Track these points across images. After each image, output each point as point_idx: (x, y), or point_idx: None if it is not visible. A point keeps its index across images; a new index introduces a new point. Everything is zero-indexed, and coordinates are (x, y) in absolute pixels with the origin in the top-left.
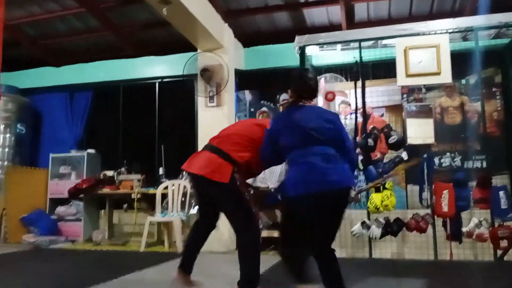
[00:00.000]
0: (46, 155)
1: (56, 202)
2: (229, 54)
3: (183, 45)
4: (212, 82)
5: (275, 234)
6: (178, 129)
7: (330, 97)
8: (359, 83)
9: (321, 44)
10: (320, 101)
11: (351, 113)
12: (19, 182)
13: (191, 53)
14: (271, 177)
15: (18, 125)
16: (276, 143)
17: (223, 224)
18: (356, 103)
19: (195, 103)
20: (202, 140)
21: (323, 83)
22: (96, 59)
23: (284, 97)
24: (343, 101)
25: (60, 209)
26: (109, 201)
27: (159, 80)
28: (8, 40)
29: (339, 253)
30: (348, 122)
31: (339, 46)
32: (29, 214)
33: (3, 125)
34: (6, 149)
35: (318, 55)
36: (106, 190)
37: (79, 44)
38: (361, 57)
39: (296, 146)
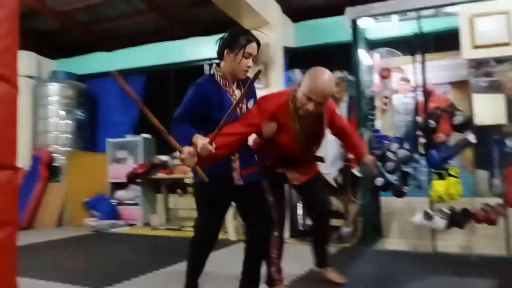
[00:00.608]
0: (103, 139)
1: (116, 186)
2: (276, 31)
3: (231, 24)
4: (258, 62)
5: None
6: None
7: (385, 74)
8: (419, 58)
9: (375, 16)
10: (376, 79)
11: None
12: (80, 167)
13: None
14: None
15: (78, 111)
16: None
17: None
18: (416, 80)
19: None
20: None
21: (378, 59)
22: (144, 42)
23: (336, 74)
24: (402, 78)
25: (119, 193)
26: (165, 186)
27: (208, 61)
28: (60, 27)
29: (399, 245)
30: (407, 101)
31: (395, 16)
32: (90, 198)
33: (64, 112)
34: (68, 135)
35: (373, 28)
36: (160, 174)
37: (126, 28)
38: (420, 28)
39: None
